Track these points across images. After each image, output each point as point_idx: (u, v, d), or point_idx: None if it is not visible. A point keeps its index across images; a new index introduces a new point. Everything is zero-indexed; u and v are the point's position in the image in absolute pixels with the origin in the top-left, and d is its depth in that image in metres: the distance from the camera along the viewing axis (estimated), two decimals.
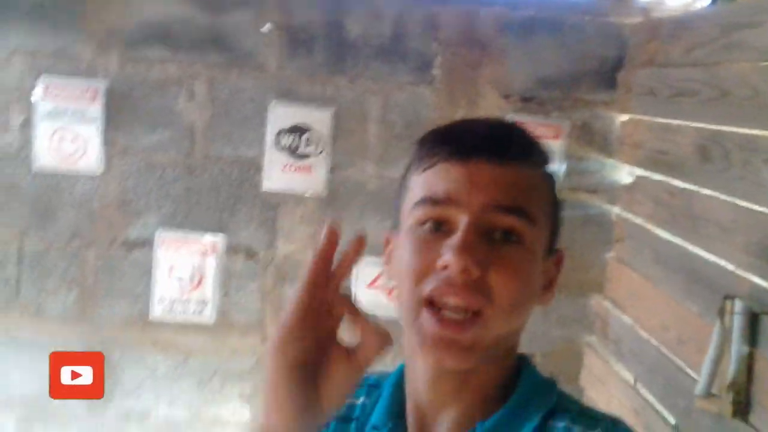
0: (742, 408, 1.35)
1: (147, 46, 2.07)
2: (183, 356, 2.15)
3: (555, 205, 0.80)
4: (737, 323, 1.36)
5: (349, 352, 0.69)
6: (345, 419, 0.86)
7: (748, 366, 1.35)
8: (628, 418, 1.81)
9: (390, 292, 2.10)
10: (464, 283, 0.70)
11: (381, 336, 0.68)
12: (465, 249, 0.70)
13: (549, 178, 0.79)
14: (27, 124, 2.06)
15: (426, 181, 0.75)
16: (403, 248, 0.75)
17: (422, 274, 0.72)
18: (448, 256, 0.70)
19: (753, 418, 1.34)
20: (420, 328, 0.72)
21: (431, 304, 0.72)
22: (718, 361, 1.39)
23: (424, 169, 0.76)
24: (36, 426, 2.12)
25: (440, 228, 0.73)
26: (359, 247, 0.70)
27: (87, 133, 2.07)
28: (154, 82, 2.09)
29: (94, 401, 2.13)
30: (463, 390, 0.76)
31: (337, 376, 0.68)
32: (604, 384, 2.02)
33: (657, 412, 1.72)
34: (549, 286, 0.80)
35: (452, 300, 0.71)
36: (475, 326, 0.71)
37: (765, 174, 1.39)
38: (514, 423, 0.75)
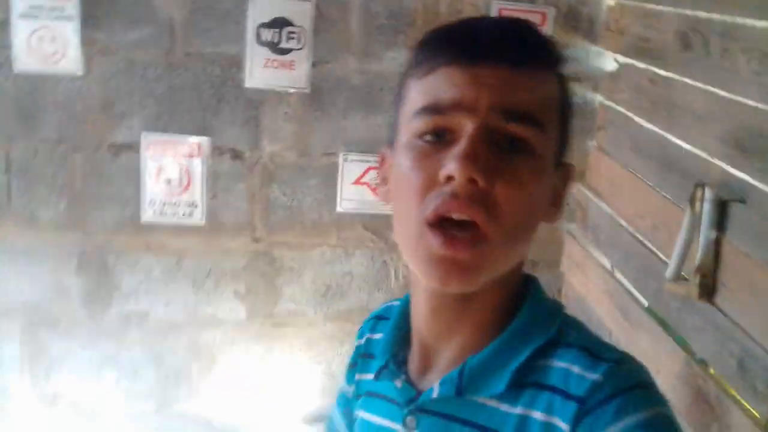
0: (709, 290, 1.41)
1: None
2: (176, 258, 2.20)
3: (567, 112, 0.75)
4: (706, 210, 1.40)
5: None
6: (366, 355, 0.88)
7: (716, 251, 1.40)
8: (604, 301, 1.90)
9: (375, 189, 2.14)
10: (470, 195, 0.65)
11: None
12: (471, 157, 0.65)
13: (562, 82, 0.74)
14: (5, 25, 2.01)
15: (427, 88, 0.69)
16: (402, 163, 0.70)
17: (424, 189, 0.67)
18: (452, 165, 0.65)
19: (718, 299, 1.41)
20: (425, 250, 0.68)
21: (435, 224, 0.67)
22: (687, 246, 1.45)
23: (424, 75, 0.70)
24: (41, 331, 2.19)
25: (443, 138, 0.68)
26: None
27: (65, 31, 2.02)
28: None
29: (94, 305, 2.21)
30: (463, 318, 0.74)
31: None
32: (582, 270, 2.10)
33: (630, 294, 1.80)
34: (556, 201, 0.76)
35: (456, 214, 0.66)
36: (479, 245, 0.67)
37: (742, 63, 1.39)
38: (508, 357, 0.71)
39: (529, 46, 0.70)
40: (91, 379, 2.23)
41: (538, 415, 0.68)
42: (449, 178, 0.65)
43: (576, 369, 0.68)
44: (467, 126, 0.66)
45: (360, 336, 0.92)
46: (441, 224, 0.67)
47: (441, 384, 0.73)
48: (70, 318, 2.20)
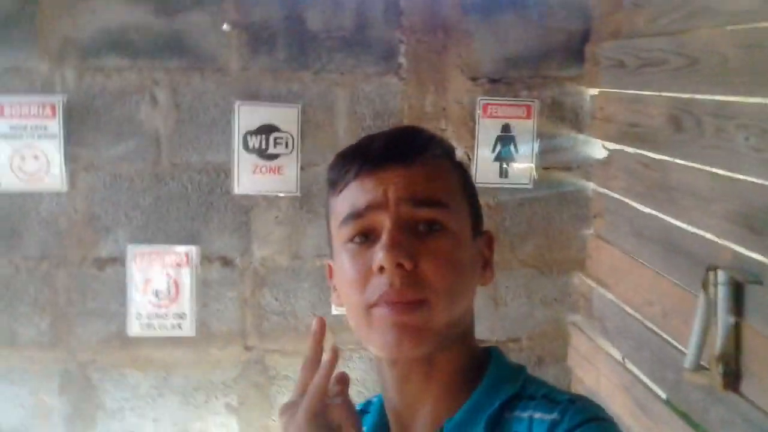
0: (733, 379, 1.34)
1: (104, 55, 2.01)
2: (165, 372, 2.10)
3: (469, 190, 0.85)
4: (722, 294, 1.35)
5: None
6: None
7: (736, 336, 1.34)
8: (618, 396, 1.81)
9: None
10: (402, 280, 0.75)
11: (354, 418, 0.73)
12: (394, 245, 0.75)
13: (458, 167, 0.85)
14: None
15: (344, 200, 0.80)
16: (341, 267, 0.80)
17: (363, 282, 0.77)
18: (380, 255, 0.75)
19: (744, 388, 1.33)
20: (376, 324, 0.76)
21: (380, 303, 0.76)
22: (704, 333, 1.38)
23: (340, 191, 0.81)
24: None
25: (368, 238, 0.78)
26: (321, 335, 0.78)
27: (49, 149, 2.02)
28: (114, 92, 2.03)
29: (77, 427, 2.08)
30: (428, 384, 0.80)
31: None
32: (591, 363, 2.01)
33: (647, 387, 1.71)
34: (486, 265, 0.86)
35: (396, 299, 0.75)
36: (422, 310, 0.75)
37: (739, 140, 1.37)
38: (479, 414, 0.78)
39: (417, 145, 0.82)
40: None
41: None
42: (381, 269, 0.75)
43: (537, 415, 0.75)
44: (384, 222, 0.77)
45: None
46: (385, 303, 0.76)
47: None
48: None
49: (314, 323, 0.79)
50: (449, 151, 0.85)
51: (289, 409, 0.74)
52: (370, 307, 0.76)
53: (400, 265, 0.74)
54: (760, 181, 1.31)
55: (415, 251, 0.76)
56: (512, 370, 0.83)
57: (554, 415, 0.74)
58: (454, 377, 0.80)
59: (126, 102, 2.04)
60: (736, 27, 1.42)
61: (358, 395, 2.08)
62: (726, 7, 1.45)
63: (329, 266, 0.87)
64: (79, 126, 2.02)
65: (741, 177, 1.37)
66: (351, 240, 0.79)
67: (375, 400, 0.90)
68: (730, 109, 1.41)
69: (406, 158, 0.79)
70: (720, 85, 1.46)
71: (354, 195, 0.79)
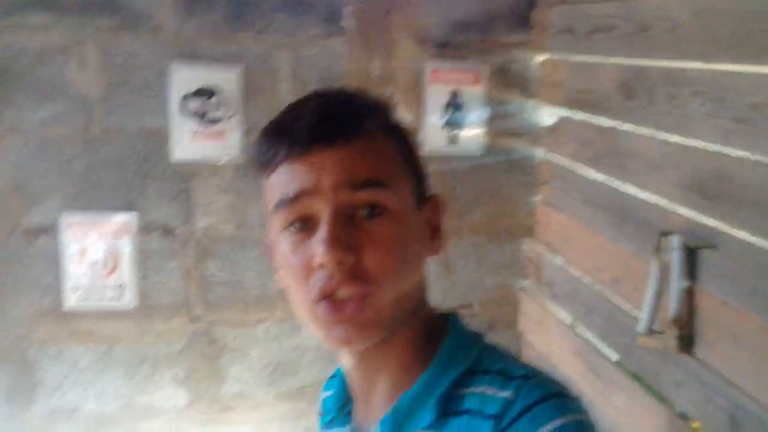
0: (687, 342, 1.36)
1: (27, 11, 1.88)
2: (106, 346, 2.01)
3: (410, 156, 0.80)
4: (676, 259, 1.36)
5: None
6: (320, 414, 0.92)
7: (689, 300, 1.36)
8: (569, 359, 1.83)
9: None
10: (344, 274, 0.71)
11: None
12: (333, 241, 0.70)
13: (394, 134, 0.79)
14: None
15: (274, 185, 0.75)
16: (281, 256, 0.76)
17: (305, 275, 0.73)
18: (319, 253, 0.71)
19: (698, 351, 1.36)
20: (320, 321, 0.73)
21: (321, 300, 0.73)
22: (658, 297, 1.40)
23: (268, 174, 0.76)
24: None
25: (306, 225, 0.74)
26: None
27: None
28: (37, 51, 1.90)
29: (15, 404, 1.97)
30: (386, 362, 0.78)
31: None
32: (542, 327, 2.03)
33: (598, 351, 1.74)
34: (435, 233, 0.81)
35: (339, 293, 0.72)
36: (366, 305, 0.72)
37: (692, 106, 1.38)
38: (433, 388, 0.76)
39: (348, 120, 0.75)
40: None
41: None
42: (321, 266, 0.71)
43: (490, 391, 0.72)
44: (321, 210, 0.72)
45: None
46: (326, 298, 0.73)
47: (380, 424, 0.76)
48: None
49: None
50: (384, 118, 0.79)
51: None
52: (312, 302, 0.73)
53: (341, 262, 0.71)
54: (713, 147, 1.33)
55: (356, 242, 0.72)
56: (468, 341, 0.80)
57: (508, 393, 0.71)
58: (410, 350, 0.78)
59: (51, 62, 1.91)
60: None
61: (311, 364, 2.06)
62: None
63: (270, 244, 0.82)
64: (2, 87, 1.88)
65: (693, 143, 1.39)
66: (287, 228, 0.74)
67: (338, 371, 0.88)
68: (683, 75, 1.42)
69: (338, 138, 0.73)
70: (672, 51, 1.46)
71: (284, 180, 0.74)
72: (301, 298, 0.75)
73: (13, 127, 1.90)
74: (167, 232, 2.01)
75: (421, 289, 0.80)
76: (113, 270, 1.98)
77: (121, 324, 2.01)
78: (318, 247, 0.71)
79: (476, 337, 0.81)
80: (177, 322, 2.04)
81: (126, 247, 1.98)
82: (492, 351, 0.79)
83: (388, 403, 0.77)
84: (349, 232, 0.72)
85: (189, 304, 2.04)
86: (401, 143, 0.79)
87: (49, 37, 1.90)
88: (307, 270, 0.73)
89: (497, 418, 0.70)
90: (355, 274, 0.71)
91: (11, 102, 1.89)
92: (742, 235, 1.26)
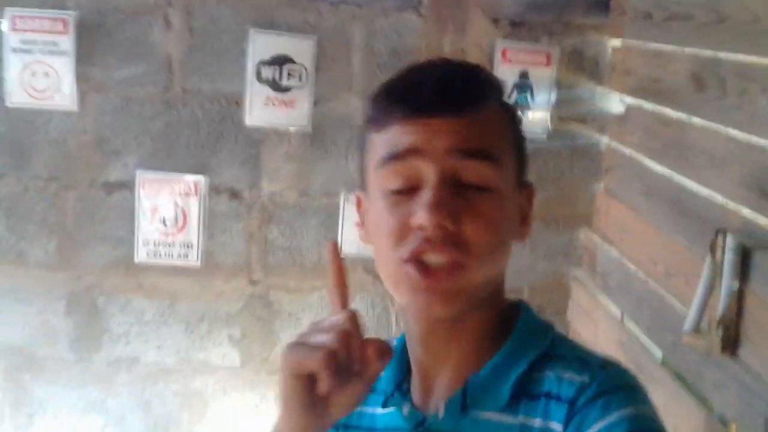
0: (732, 344, 1.34)
1: None
2: (169, 300, 2.12)
3: (518, 139, 0.81)
4: (728, 258, 1.34)
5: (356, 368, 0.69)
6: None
7: (738, 302, 1.34)
8: (614, 352, 1.82)
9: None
10: (441, 238, 0.71)
11: (383, 350, 0.69)
12: (437, 205, 0.71)
13: (508, 112, 0.80)
14: None
15: (385, 141, 0.76)
16: (375, 213, 0.77)
17: (399, 237, 0.74)
18: (421, 214, 0.71)
19: (742, 353, 1.34)
20: (406, 283, 0.74)
21: (411, 261, 0.73)
22: (707, 296, 1.38)
23: (380, 129, 0.77)
24: (25, 375, 2.11)
25: (407, 185, 0.74)
26: (337, 256, 0.75)
27: (60, 67, 1.98)
28: (127, 11, 1.98)
29: (82, 349, 2.12)
30: (455, 341, 0.78)
31: (346, 389, 0.68)
32: (590, 317, 2.02)
33: (643, 345, 1.73)
34: (524, 220, 0.82)
35: (432, 257, 0.72)
36: (458, 274, 0.72)
37: (762, 103, 1.34)
38: (506, 372, 0.76)
39: (469, 91, 0.76)
40: (77, 425, 2.13)
41: (537, 422, 0.73)
42: (420, 227, 0.72)
43: (567, 375, 0.73)
44: (428, 174, 0.73)
45: None
46: (418, 262, 0.73)
47: (446, 405, 0.77)
48: (56, 361, 2.11)
49: (328, 249, 0.76)
50: (501, 96, 0.80)
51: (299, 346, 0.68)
52: (401, 261, 0.73)
53: (441, 227, 0.71)
54: None
55: (458, 211, 0.72)
56: (541, 327, 0.81)
57: (584, 377, 0.72)
58: (481, 334, 0.78)
59: (139, 22, 2.00)
60: None
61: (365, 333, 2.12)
62: None
63: (359, 197, 0.84)
64: (90, 45, 1.98)
65: (759, 141, 1.35)
66: (389, 188, 0.75)
67: (396, 342, 0.87)
68: (755, 70, 1.38)
69: (457, 108, 0.74)
70: (748, 45, 1.41)
71: (396, 137, 0.75)
72: (388, 257, 0.75)
73: (99, 84, 2.01)
74: (234, 194, 2.09)
75: (503, 275, 0.80)
76: (182, 228, 2.09)
77: (186, 281, 2.11)
78: (420, 208, 0.71)
79: (547, 325, 0.82)
80: (237, 283, 2.12)
81: (195, 207, 2.08)
82: (565, 339, 0.81)
83: (454, 383, 0.78)
84: (453, 200, 0.72)
85: (250, 266, 2.13)
86: (513, 125, 0.80)
87: None
88: (403, 230, 0.73)
89: (572, 402, 0.71)
90: (452, 241, 0.72)
91: (98, 60, 2.00)
92: None
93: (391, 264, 0.75)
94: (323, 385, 0.66)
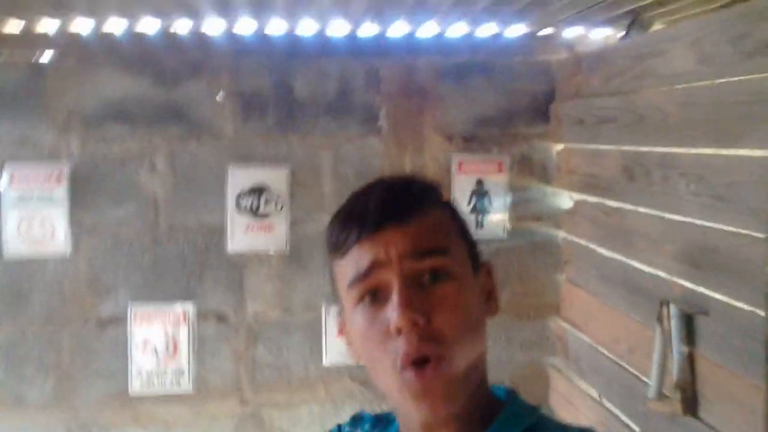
0: (691, 405, 1.45)
1: (106, 124, 2.16)
2: (165, 429, 2.18)
3: (462, 229, 0.87)
4: (674, 326, 1.47)
5: None
6: None
7: (690, 365, 1.46)
8: None
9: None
10: (417, 336, 0.77)
11: None
12: (406, 304, 0.77)
13: (448, 209, 0.88)
14: None
15: (348, 264, 0.83)
16: (356, 330, 0.82)
17: (383, 343, 0.79)
18: (394, 317, 0.77)
19: (702, 413, 1.44)
20: (407, 391, 0.78)
21: (405, 366, 0.78)
22: (663, 363, 1.50)
23: (342, 256, 0.84)
24: None
25: (378, 297, 0.81)
26: None
27: (54, 215, 2.14)
28: (115, 159, 2.17)
29: None
30: (450, 427, 0.81)
31: None
32: (570, 402, 2.11)
33: (620, 420, 1.81)
34: (490, 295, 0.87)
35: (414, 354, 0.77)
36: (441, 366, 0.77)
37: (681, 187, 1.53)
38: None
39: (408, 200, 0.84)
40: None
41: None
42: (398, 330, 0.77)
43: None
44: (391, 280, 0.79)
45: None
46: (411, 365, 0.78)
47: None
48: None
49: None
50: (438, 197, 0.87)
51: None
52: (397, 369, 0.77)
53: (415, 324, 0.76)
54: (699, 222, 1.46)
55: (425, 306, 0.77)
56: (529, 407, 0.85)
57: None
58: (474, 415, 0.82)
59: (127, 168, 2.17)
60: (674, 86, 1.60)
61: None
62: (667, 69, 1.63)
63: (342, 321, 0.89)
64: (83, 192, 2.15)
65: (684, 219, 1.52)
66: (361, 301, 0.81)
67: (393, 417, 0.93)
68: (672, 159, 1.57)
69: (402, 217, 0.81)
70: (663, 139, 1.62)
71: (357, 258, 0.81)
72: (384, 367, 0.79)
73: (92, 228, 2.17)
74: (221, 318, 2.21)
75: (485, 352, 0.84)
76: (173, 355, 2.18)
77: (179, 407, 2.18)
78: (392, 312, 0.77)
79: (534, 408, 0.86)
80: (228, 404, 2.20)
81: (185, 334, 2.18)
82: (551, 417, 0.86)
83: None
84: (419, 296, 0.77)
85: (240, 386, 2.21)
86: (454, 217, 0.87)
87: (125, 145, 2.17)
88: (385, 337, 0.78)
89: None
90: (428, 336, 0.76)
91: (91, 205, 2.16)
92: (729, 301, 1.37)
93: (388, 374, 0.79)
94: None
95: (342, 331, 0.90)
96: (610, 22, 2.16)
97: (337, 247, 0.85)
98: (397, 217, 0.82)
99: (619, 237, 1.83)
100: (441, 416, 0.79)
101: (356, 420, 1.00)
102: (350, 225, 0.84)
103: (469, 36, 2.27)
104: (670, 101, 1.60)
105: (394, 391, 0.79)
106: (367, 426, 0.98)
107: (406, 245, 0.80)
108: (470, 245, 0.87)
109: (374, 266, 0.80)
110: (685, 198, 1.51)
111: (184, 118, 2.20)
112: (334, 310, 2.18)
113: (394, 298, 0.78)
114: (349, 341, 0.88)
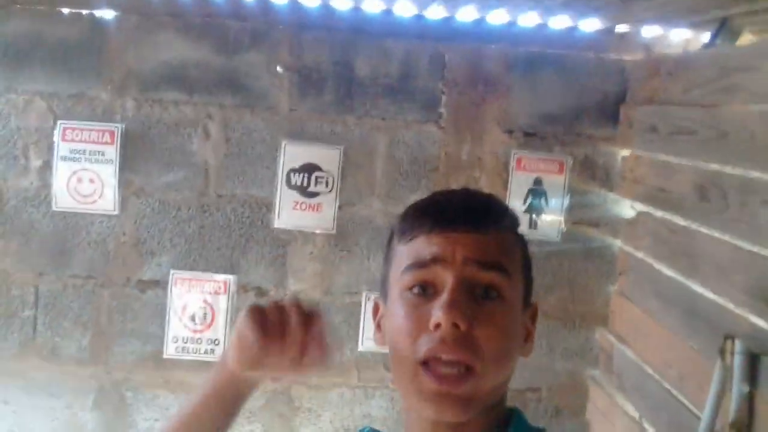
0: None
1: (163, 88, 2.14)
2: None
3: (527, 264, 0.87)
4: (738, 363, 1.39)
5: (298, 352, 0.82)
6: None
7: (749, 405, 1.38)
8: None
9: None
10: (455, 339, 0.76)
11: (322, 355, 0.83)
12: (453, 306, 0.76)
13: (520, 240, 0.87)
14: (46, 166, 2.12)
15: (412, 250, 0.82)
16: (395, 314, 0.82)
17: (416, 335, 0.78)
18: (438, 314, 0.76)
19: None
20: (419, 386, 0.78)
21: (427, 363, 0.77)
22: (719, 399, 1.43)
23: (409, 240, 0.83)
24: None
25: (427, 291, 0.80)
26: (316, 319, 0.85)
27: (104, 173, 2.14)
28: (169, 123, 2.15)
29: None
30: None
31: (274, 359, 0.83)
32: (608, 419, 2.05)
33: None
34: (528, 337, 0.86)
35: (445, 356, 0.76)
36: (469, 380, 0.77)
37: (762, 215, 1.43)
38: None
39: (491, 214, 0.84)
40: None
41: None
42: (437, 326, 0.76)
43: None
44: (447, 279, 0.78)
45: None
46: (431, 364, 0.77)
47: None
48: None
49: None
50: (516, 225, 0.87)
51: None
52: (417, 362, 0.77)
53: (455, 325, 0.76)
54: None
55: (472, 314, 0.77)
56: (533, 429, 0.85)
57: None
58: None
59: (180, 133, 2.16)
60: (765, 106, 1.49)
61: None
62: (759, 87, 1.52)
63: (376, 304, 0.90)
64: (134, 153, 2.14)
65: (761, 251, 1.43)
66: (410, 289, 0.81)
67: None
68: (754, 184, 1.47)
69: (479, 225, 0.81)
70: (747, 161, 1.52)
71: (421, 246, 0.81)
72: (406, 358, 0.78)
73: (140, 190, 2.16)
74: (262, 293, 2.19)
75: (507, 385, 0.84)
76: (210, 325, 2.17)
77: None
78: (437, 309, 0.76)
79: (541, 429, 0.85)
80: None
81: (223, 305, 2.17)
82: None
83: None
84: (468, 304, 0.77)
85: None
86: (524, 251, 0.87)
87: (180, 111, 2.15)
88: (420, 330, 0.78)
89: None
90: (465, 343, 0.76)
91: (141, 168, 2.15)
92: None
93: (408, 365, 0.78)
94: (246, 325, 0.82)
95: (375, 314, 0.89)
96: (693, 25, 2.04)
97: (404, 231, 0.84)
98: (473, 223, 0.82)
99: (683, 257, 1.74)
100: (445, 422, 0.78)
101: None
102: (425, 216, 0.83)
103: (541, 27, 2.18)
104: (759, 121, 1.50)
105: (407, 384, 0.79)
106: None
107: (473, 252, 0.80)
108: (528, 282, 0.86)
109: (436, 260, 0.79)
110: (764, 228, 1.42)
111: (242, 88, 2.16)
112: (375, 296, 2.14)
113: (445, 296, 0.77)
114: (378, 327, 0.88)
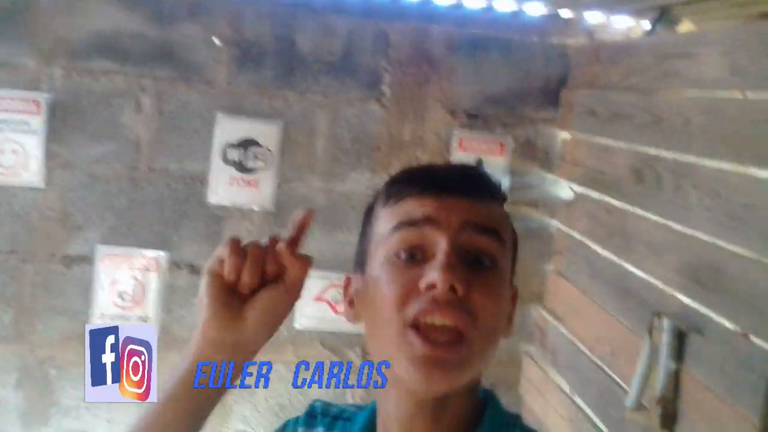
0: (669, 421, 1.42)
1: (94, 57, 2.04)
2: None
3: (515, 240, 0.84)
4: (665, 340, 1.43)
5: (279, 282, 0.78)
6: None
7: (675, 381, 1.42)
8: (563, 427, 1.88)
9: (334, 307, 2.13)
10: (450, 302, 0.71)
11: (303, 260, 0.78)
12: (451, 267, 0.71)
13: (509, 217, 0.84)
14: None
15: (400, 210, 0.77)
16: (378, 280, 0.76)
17: (404, 298, 0.73)
18: (434, 274, 0.71)
19: (679, 429, 1.41)
20: (409, 352, 0.72)
21: (416, 327, 0.72)
22: (646, 375, 1.46)
23: (395, 203, 0.78)
24: None
25: (415, 257, 0.75)
26: (308, 219, 0.82)
27: (29, 145, 2.03)
28: (99, 94, 2.06)
29: (30, 422, 2.09)
30: (438, 425, 0.77)
31: (264, 292, 0.78)
32: (541, 392, 2.08)
33: (591, 421, 1.79)
34: (509, 319, 0.83)
35: (439, 319, 0.72)
36: (461, 347, 0.72)
37: (693, 198, 1.47)
38: None
39: (484, 184, 0.81)
40: None
41: None
42: (430, 287, 0.71)
43: None
44: (441, 242, 0.73)
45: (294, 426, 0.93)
46: (422, 329, 0.72)
47: None
48: None
49: (300, 214, 0.82)
50: (506, 199, 0.83)
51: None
52: (406, 325, 0.72)
53: (452, 289, 0.71)
54: (708, 238, 1.40)
55: (468, 279, 0.72)
56: (509, 416, 0.83)
57: None
58: (459, 419, 0.78)
59: (110, 105, 2.07)
60: (701, 93, 1.53)
61: None
62: (694, 74, 1.55)
63: (347, 278, 0.85)
64: (61, 124, 2.04)
65: (692, 232, 1.46)
66: (397, 253, 0.75)
67: (362, 414, 0.87)
68: (687, 168, 1.51)
69: (474, 191, 0.78)
70: (680, 145, 1.55)
71: (412, 207, 0.76)
72: (391, 322, 0.73)
73: (66, 161, 2.06)
74: (195, 270, 2.13)
75: (491, 360, 0.79)
76: (140, 302, 2.11)
77: None
78: (432, 270, 0.72)
79: (515, 415, 0.84)
80: None
81: (154, 282, 2.10)
82: (529, 429, 0.83)
83: None
84: (462, 269, 0.72)
85: None
86: (513, 230, 0.84)
87: (111, 81, 2.06)
88: (409, 294, 0.73)
89: None
90: (460, 306, 0.71)
91: (69, 139, 2.05)
92: (728, 325, 1.32)
93: (392, 328, 0.73)
94: (228, 265, 0.76)
95: (346, 289, 0.84)
96: (635, 12, 2.07)
97: (390, 195, 0.79)
98: (468, 188, 0.78)
99: (618, 238, 1.78)
100: (432, 391, 0.74)
101: (311, 417, 0.93)
102: (414, 179, 0.79)
103: (487, 9, 2.17)
104: (694, 108, 1.53)
105: (391, 350, 0.73)
106: (321, 426, 0.91)
107: (469, 214, 0.75)
108: (514, 259, 0.83)
109: (427, 221, 0.75)
110: (695, 211, 1.46)
111: (176, 60, 2.08)
112: (312, 274, 2.10)
113: (441, 257, 0.72)
114: (350, 302, 0.83)
